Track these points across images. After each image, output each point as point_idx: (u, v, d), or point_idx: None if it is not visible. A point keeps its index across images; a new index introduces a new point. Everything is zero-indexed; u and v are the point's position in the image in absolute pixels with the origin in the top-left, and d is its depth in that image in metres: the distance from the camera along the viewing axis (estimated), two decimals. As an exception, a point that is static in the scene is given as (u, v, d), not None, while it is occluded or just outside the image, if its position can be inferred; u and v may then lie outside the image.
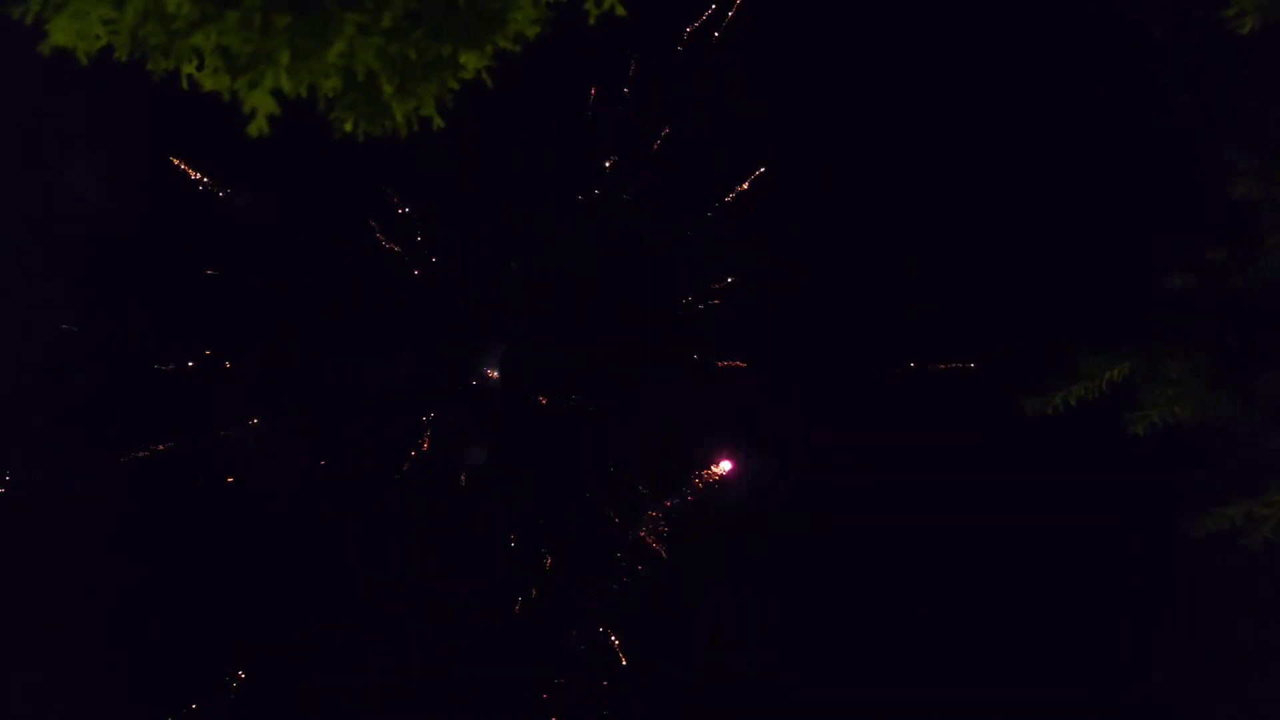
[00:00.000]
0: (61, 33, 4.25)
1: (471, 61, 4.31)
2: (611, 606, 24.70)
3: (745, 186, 24.41)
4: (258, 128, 4.18)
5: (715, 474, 24.92)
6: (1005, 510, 23.10)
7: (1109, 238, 21.84)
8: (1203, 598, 21.64)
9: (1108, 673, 23.16)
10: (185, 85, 4.36)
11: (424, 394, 25.09)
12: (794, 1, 23.05)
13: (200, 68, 4.28)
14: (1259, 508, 8.92)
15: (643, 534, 24.54)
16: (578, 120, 24.72)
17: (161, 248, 24.28)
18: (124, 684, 22.98)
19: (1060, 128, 22.70)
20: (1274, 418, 9.01)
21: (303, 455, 24.28)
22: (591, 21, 4.32)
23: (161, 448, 23.63)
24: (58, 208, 23.84)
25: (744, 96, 24.19)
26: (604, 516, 24.87)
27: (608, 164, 24.80)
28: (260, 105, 4.16)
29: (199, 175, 23.59)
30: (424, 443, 24.80)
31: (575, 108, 24.69)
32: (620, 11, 4.31)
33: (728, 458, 25.15)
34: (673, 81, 24.62)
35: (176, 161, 23.47)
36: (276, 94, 4.13)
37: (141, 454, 23.55)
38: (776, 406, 24.95)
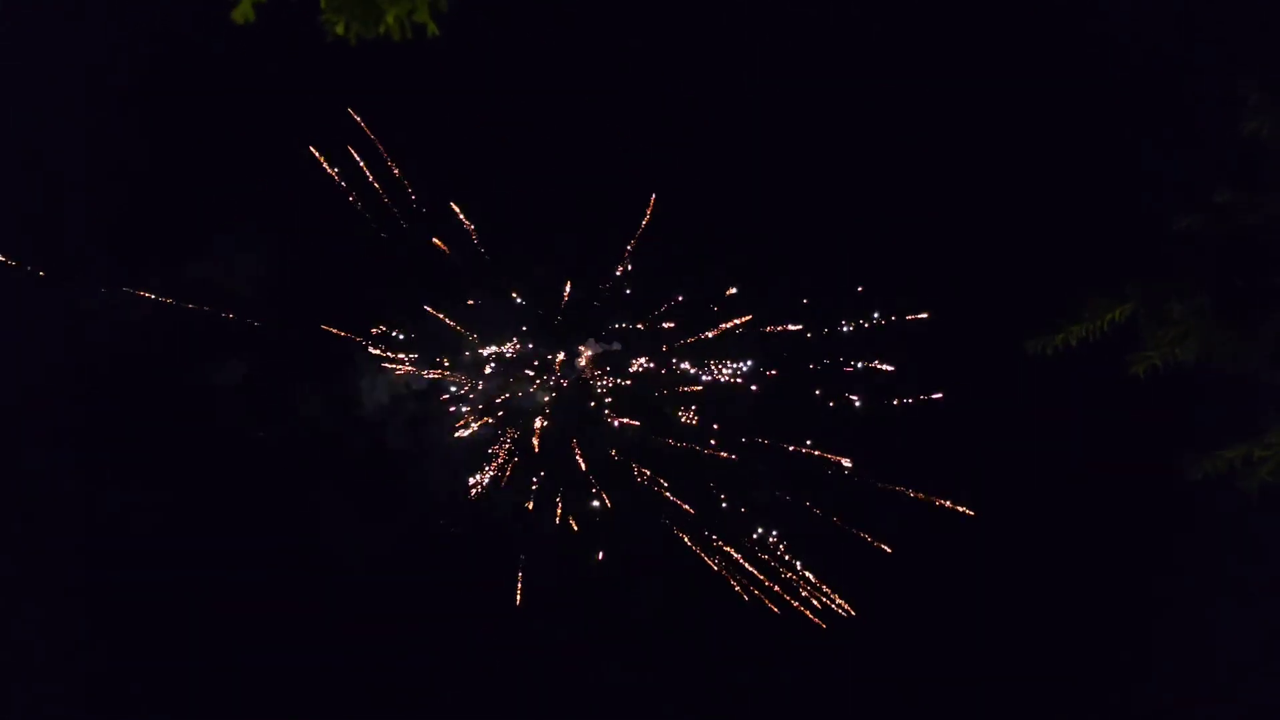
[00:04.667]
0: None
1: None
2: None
3: None
4: (243, 14, 4.08)
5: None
6: (1004, 452, 23.16)
7: (1116, 178, 21.63)
8: (1202, 538, 21.67)
9: (1104, 617, 23.25)
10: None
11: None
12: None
13: None
14: (1258, 450, 8.81)
15: None
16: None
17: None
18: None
19: (1066, 65, 22.40)
20: (1276, 359, 8.91)
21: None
22: None
23: None
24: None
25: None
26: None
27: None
28: None
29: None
30: None
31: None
32: None
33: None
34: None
35: None
36: None
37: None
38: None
